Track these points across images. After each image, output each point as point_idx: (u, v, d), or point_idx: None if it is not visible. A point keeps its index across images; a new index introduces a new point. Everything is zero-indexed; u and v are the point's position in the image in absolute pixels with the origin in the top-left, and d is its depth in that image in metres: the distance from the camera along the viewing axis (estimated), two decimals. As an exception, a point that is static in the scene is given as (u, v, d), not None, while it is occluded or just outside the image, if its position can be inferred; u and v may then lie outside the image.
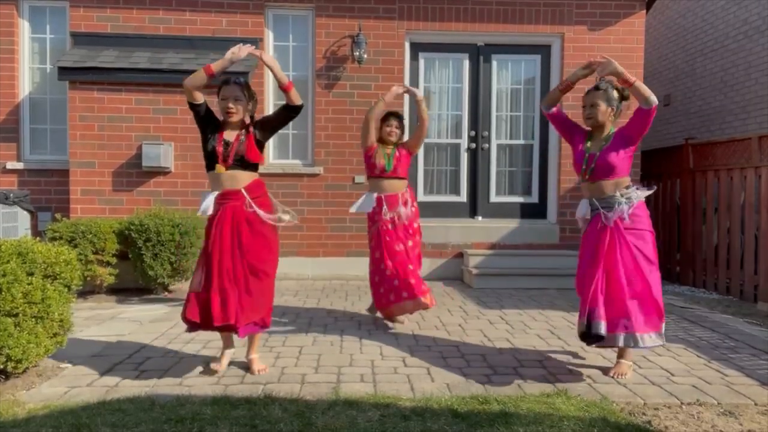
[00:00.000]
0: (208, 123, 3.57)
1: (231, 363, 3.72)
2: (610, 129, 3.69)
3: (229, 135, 3.54)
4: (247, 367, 3.64)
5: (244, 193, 3.51)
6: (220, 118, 3.62)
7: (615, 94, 3.68)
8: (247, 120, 3.64)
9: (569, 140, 3.81)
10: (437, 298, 6.00)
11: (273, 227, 3.62)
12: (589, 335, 3.40)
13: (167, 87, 6.52)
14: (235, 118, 3.53)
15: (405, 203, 4.76)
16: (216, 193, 3.55)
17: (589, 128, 3.75)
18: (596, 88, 3.70)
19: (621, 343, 3.44)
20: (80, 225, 5.68)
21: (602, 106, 3.64)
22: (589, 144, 3.68)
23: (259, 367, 3.61)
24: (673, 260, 7.68)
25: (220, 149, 3.48)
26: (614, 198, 3.53)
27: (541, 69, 7.49)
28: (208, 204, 3.54)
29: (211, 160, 3.53)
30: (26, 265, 3.39)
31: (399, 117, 4.87)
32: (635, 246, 3.48)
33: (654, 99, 3.41)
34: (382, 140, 4.82)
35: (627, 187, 3.57)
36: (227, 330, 3.51)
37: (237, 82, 3.55)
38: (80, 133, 6.49)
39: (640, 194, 3.56)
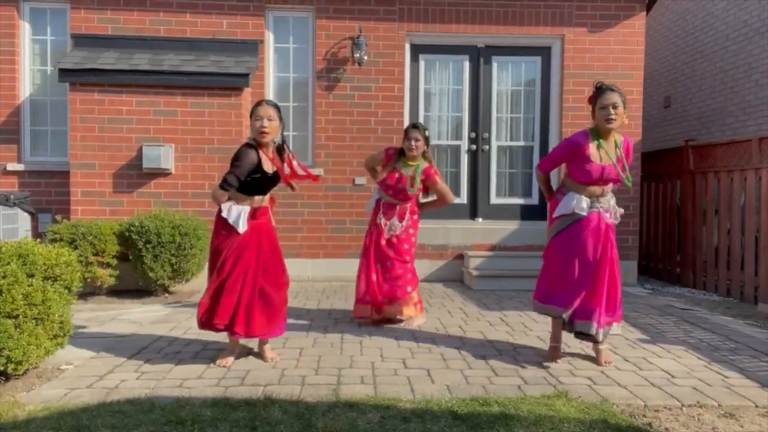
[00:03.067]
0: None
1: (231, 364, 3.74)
2: (617, 135, 3.77)
3: (266, 162, 3.67)
4: (247, 368, 3.67)
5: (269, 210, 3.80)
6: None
7: None
8: (278, 140, 3.78)
9: (571, 159, 3.78)
10: (438, 299, 6.01)
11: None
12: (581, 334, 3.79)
13: (168, 89, 6.52)
14: (267, 138, 3.65)
15: (402, 216, 4.72)
16: (248, 208, 3.67)
17: (590, 129, 3.78)
18: (611, 88, 3.67)
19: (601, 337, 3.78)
20: (80, 226, 5.68)
21: (621, 107, 3.66)
22: (598, 150, 3.69)
23: (271, 355, 3.86)
24: (673, 262, 7.67)
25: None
26: (610, 201, 3.82)
27: (542, 71, 7.49)
28: (242, 219, 3.64)
29: (256, 187, 3.68)
30: (27, 266, 3.39)
31: (421, 129, 4.68)
32: (612, 242, 3.79)
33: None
34: (403, 154, 4.73)
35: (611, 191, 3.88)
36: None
37: (269, 103, 3.71)
38: (81, 135, 6.49)
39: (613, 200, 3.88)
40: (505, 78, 7.54)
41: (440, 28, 7.22)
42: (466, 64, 7.45)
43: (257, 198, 3.70)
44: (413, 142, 4.62)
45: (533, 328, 4.82)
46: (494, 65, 7.47)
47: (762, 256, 6.00)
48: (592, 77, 7.24)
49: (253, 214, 3.69)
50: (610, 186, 3.81)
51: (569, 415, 2.97)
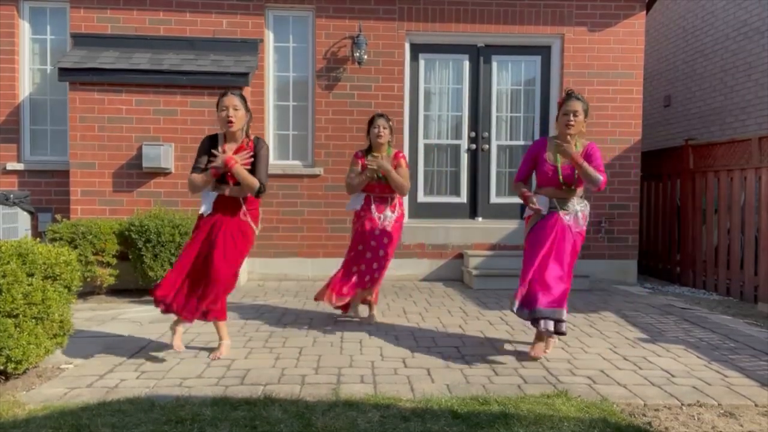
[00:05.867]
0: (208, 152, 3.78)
1: (231, 363, 3.75)
2: (578, 141, 3.91)
3: (231, 150, 3.74)
4: (247, 367, 3.68)
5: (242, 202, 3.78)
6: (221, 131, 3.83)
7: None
8: (243, 134, 3.81)
9: (534, 165, 4.07)
10: (437, 299, 6.02)
11: None
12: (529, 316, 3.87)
13: (168, 88, 6.52)
14: (234, 128, 3.70)
15: (393, 208, 4.83)
16: (214, 194, 3.78)
17: (551, 136, 4.06)
18: (576, 97, 3.88)
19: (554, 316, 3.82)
20: (80, 226, 5.68)
21: (581, 116, 3.85)
22: (552, 154, 3.93)
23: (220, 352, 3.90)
24: (673, 261, 7.68)
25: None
26: (573, 205, 3.91)
27: (542, 70, 7.49)
28: (206, 202, 3.81)
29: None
30: (26, 266, 3.39)
31: (386, 117, 4.84)
32: (574, 243, 3.92)
33: (599, 180, 3.76)
34: (370, 148, 4.82)
35: (581, 197, 3.97)
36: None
37: (235, 93, 3.75)
38: (80, 134, 6.49)
39: (586, 208, 3.99)
40: (505, 77, 7.54)
41: (440, 27, 7.22)
42: (466, 64, 7.45)
43: (221, 186, 3.76)
44: (381, 129, 4.73)
45: (533, 327, 4.82)
46: (494, 64, 7.47)
47: (761, 256, 6.00)
48: (592, 76, 7.27)
49: (217, 203, 3.76)
50: (577, 191, 3.93)
51: (569, 414, 2.97)
